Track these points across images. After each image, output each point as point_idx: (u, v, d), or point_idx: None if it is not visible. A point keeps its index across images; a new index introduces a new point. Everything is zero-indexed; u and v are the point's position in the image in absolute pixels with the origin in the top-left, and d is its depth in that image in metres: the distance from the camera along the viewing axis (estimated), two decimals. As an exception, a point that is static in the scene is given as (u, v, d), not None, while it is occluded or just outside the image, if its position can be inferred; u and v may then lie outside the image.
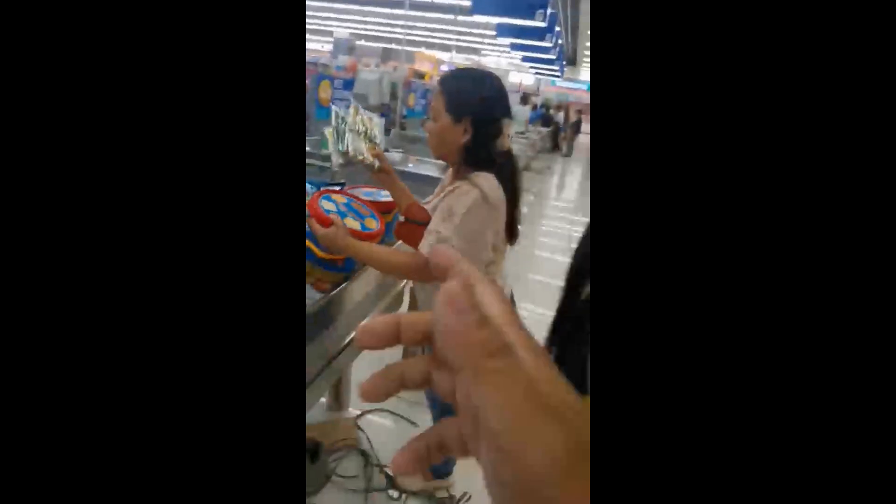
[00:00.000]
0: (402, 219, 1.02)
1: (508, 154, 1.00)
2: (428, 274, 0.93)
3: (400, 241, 1.04)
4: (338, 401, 1.70)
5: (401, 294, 1.51)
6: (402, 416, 1.73)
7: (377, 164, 1.02)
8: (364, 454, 1.52)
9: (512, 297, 1.18)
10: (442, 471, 1.41)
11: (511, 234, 1.03)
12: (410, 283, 1.41)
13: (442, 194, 0.96)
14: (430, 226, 0.91)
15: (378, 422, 1.70)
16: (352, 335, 1.23)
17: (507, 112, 0.97)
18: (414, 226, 0.97)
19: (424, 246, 0.90)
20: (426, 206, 1.01)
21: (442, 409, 1.25)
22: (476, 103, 0.92)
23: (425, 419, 1.70)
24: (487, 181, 0.92)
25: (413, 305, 1.86)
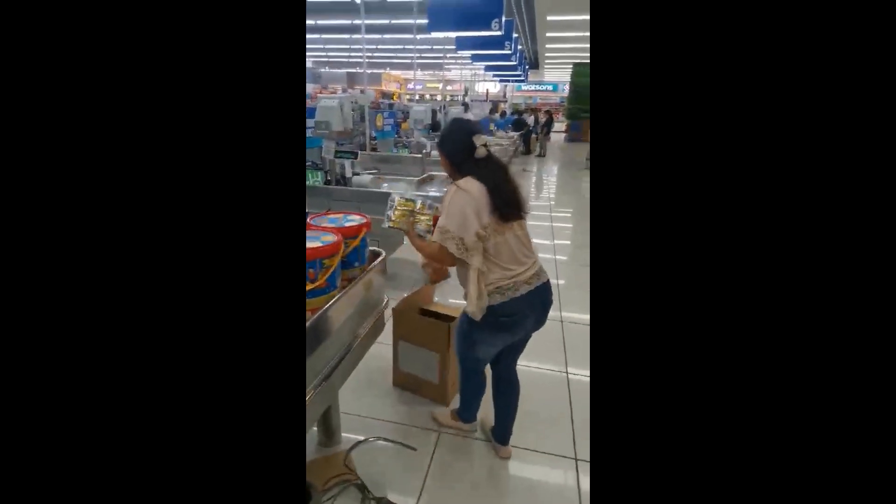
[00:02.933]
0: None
1: (488, 158, 1.39)
2: (447, 258, 1.36)
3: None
4: (328, 434, 1.63)
5: (381, 315, 1.47)
6: (398, 442, 1.67)
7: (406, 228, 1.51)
8: (361, 487, 1.45)
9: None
10: (467, 417, 1.70)
11: (518, 208, 1.38)
12: (392, 304, 1.70)
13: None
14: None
15: (373, 451, 1.64)
16: (337, 359, 1.19)
17: (473, 131, 1.40)
18: None
19: (437, 235, 1.36)
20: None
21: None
22: (443, 142, 1.46)
23: (420, 442, 1.64)
24: (464, 181, 1.35)
25: (397, 322, 1.83)
